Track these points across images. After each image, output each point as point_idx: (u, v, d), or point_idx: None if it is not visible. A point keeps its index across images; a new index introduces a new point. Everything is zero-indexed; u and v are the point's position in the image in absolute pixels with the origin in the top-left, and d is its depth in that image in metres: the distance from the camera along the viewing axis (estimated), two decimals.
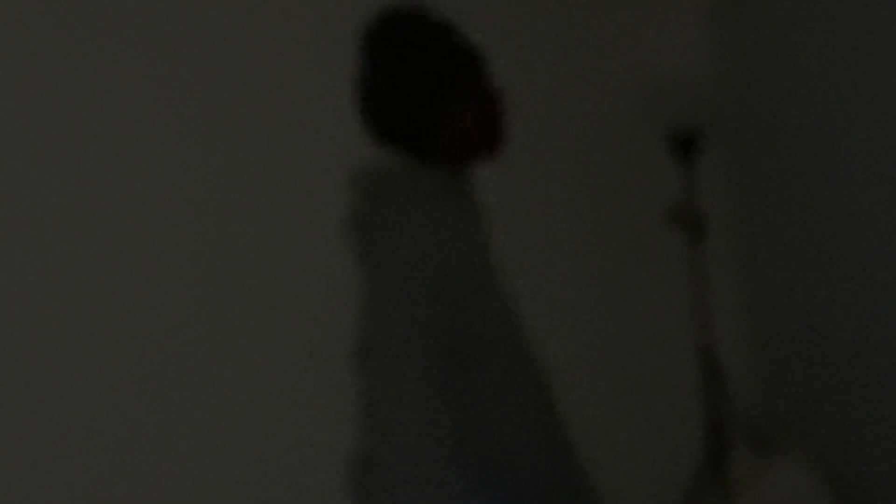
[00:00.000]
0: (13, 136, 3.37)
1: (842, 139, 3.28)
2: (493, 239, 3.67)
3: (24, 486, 3.28)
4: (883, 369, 3.16)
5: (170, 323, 3.44)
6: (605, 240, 3.76)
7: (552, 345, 3.67)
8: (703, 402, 3.56)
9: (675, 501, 3.59)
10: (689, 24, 3.89)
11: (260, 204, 3.54)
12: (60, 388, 3.34)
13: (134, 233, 3.44)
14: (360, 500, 1.96)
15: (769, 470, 3.21)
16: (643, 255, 3.80)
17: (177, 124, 3.50)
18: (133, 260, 3.43)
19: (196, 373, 3.44)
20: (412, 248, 1.83)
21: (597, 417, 3.69)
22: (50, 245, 3.37)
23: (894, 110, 3.08)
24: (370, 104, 1.97)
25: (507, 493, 1.93)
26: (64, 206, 3.39)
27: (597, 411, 3.70)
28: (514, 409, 1.93)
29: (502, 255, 3.68)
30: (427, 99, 1.95)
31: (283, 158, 3.57)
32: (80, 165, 3.41)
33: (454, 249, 1.83)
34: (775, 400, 3.64)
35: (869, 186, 3.19)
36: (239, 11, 3.56)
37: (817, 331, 3.42)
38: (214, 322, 3.47)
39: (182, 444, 3.41)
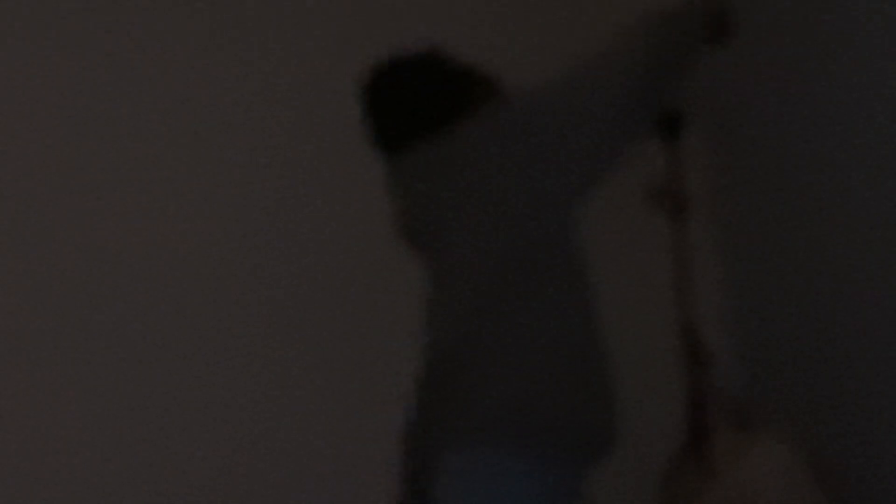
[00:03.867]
0: (14, 137, 3.36)
1: (827, 120, 3.28)
2: None
3: (23, 486, 3.27)
4: (865, 348, 3.17)
5: (170, 322, 3.44)
6: (588, 217, 3.76)
7: None
8: (685, 380, 3.56)
9: (656, 480, 3.60)
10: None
11: (259, 203, 3.54)
12: (60, 387, 3.33)
13: (133, 231, 3.44)
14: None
15: (751, 448, 3.22)
16: (626, 233, 3.80)
17: (176, 123, 3.50)
18: (133, 259, 3.43)
19: (197, 372, 3.44)
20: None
21: None
22: (50, 243, 3.36)
23: (880, 93, 3.08)
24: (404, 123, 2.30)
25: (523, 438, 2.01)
26: (65, 203, 3.39)
27: None
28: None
29: None
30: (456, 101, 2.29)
31: (282, 157, 3.57)
32: (82, 162, 3.41)
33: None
34: (757, 378, 3.65)
35: (852, 166, 3.20)
36: (239, 12, 3.58)
37: (800, 309, 3.43)
38: (214, 321, 3.47)
39: (182, 444, 3.40)
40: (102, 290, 3.40)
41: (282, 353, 3.50)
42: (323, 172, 3.60)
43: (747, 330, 3.70)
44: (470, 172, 2.16)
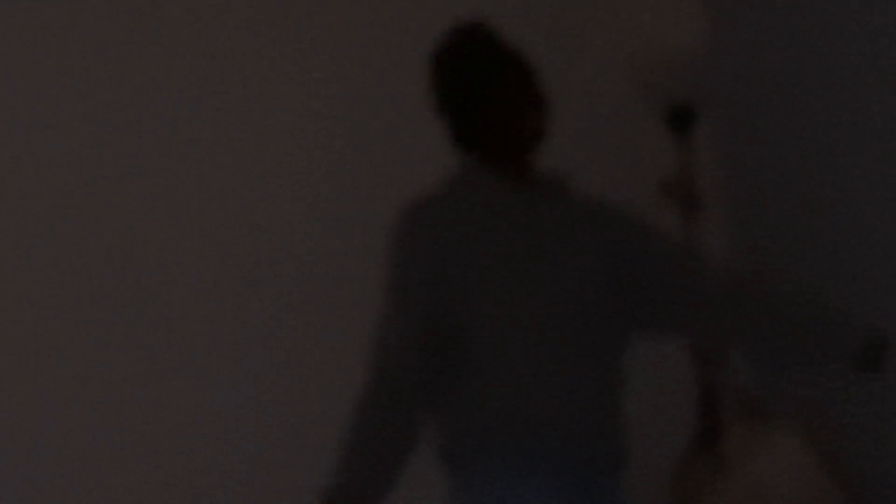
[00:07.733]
0: (18, 137, 3.37)
1: (839, 113, 3.28)
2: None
3: (24, 486, 3.28)
4: None
5: (172, 322, 3.45)
6: None
7: None
8: (698, 374, 3.56)
9: (668, 474, 3.60)
10: None
11: (259, 203, 3.55)
12: (61, 387, 3.34)
13: (135, 232, 3.45)
14: None
15: (764, 443, 3.22)
16: None
17: (177, 124, 3.51)
18: (136, 258, 3.44)
19: (198, 372, 3.44)
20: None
21: None
22: (53, 243, 3.38)
23: (892, 84, 3.08)
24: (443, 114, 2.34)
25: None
26: (71, 203, 3.40)
27: None
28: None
29: None
30: (465, 104, 2.31)
31: (283, 156, 3.58)
32: (85, 163, 3.43)
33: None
34: (770, 372, 3.65)
35: (866, 160, 3.19)
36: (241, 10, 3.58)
37: None
38: (215, 321, 3.48)
39: (183, 443, 3.41)
40: (118, 288, 3.42)
41: (292, 355, 3.51)
42: (337, 168, 3.62)
43: None
44: None
